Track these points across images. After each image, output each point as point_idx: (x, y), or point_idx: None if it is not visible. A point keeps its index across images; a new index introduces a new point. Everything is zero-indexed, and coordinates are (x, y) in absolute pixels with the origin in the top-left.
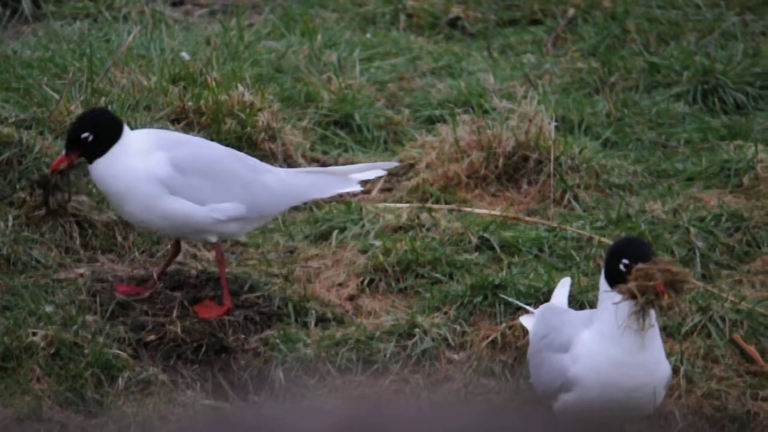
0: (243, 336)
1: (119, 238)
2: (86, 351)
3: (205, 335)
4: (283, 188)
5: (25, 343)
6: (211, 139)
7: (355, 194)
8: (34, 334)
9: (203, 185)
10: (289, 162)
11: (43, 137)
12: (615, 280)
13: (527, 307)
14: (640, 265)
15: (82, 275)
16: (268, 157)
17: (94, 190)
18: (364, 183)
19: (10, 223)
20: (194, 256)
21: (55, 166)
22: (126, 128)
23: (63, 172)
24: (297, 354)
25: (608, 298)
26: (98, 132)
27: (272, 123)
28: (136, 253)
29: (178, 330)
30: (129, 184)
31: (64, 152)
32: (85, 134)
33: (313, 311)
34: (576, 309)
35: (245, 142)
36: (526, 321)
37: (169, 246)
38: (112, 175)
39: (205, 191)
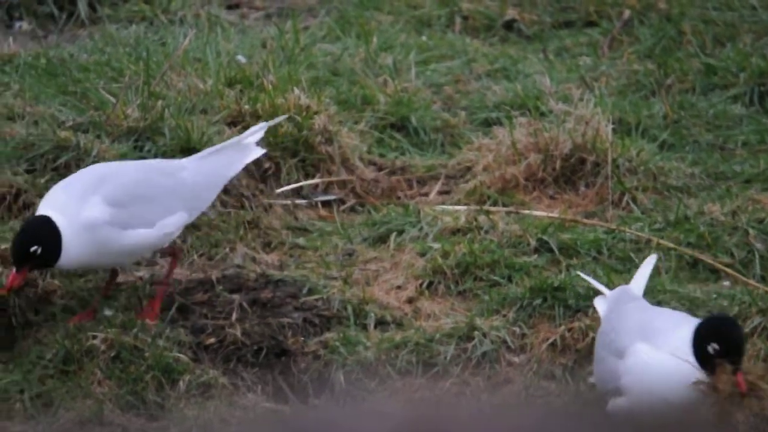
0: (302, 339)
1: (177, 241)
2: (146, 354)
3: (265, 338)
4: (203, 178)
5: (86, 347)
6: (269, 143)
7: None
8: (95, 337)
9: (145, 210)
10: (347, 165)
11: (101, 141)
12: (702, 357)
13: (602, 289)
14: (727, 366)
15: (141, 278)
16: (326, 161)
17: None
18: (261, 143)
19: None
20: (253, 259)
21: (9, 286)
22: (54, 217)
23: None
24: (357, 357)
25: (681, 324)
26: (45, 242)
27: (329, 126)
28: (195, 257)
29: (238, 333)
30: (88, 243)
31: (14, 270)
32: (34, 248)
33: (373, 314)
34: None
35: (302, 145)
36: (600, 304)
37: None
38: (78, 254)
39: (150, 214)
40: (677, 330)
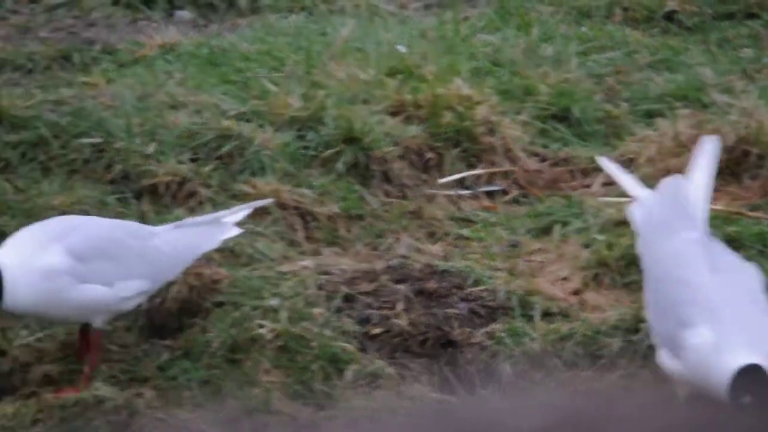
0: (469, 330)
1: (342, 231)
2: (313, 344)
3: (431, 328)
4: (174, 249)
5: (252, 336)
6: (431, 134)
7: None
8: (261, 326)
9: (105, 267)
10: (509, 156)
11: (263, 130)
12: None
13: (634, 190)
14: None
15: (306, 268)
16: (488, 151)
17: None
18: (239, 224)
19: None
20: (417, 250)
21: None
22: (2, 258)
23: None
24: (523, 348)
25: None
26: None
27: (491, 116)
28: (360, 246)
29: (404, 323)
30: (40, 290)
31: None
32: None
33: (538, 305)
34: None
35: (464, 136)
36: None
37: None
38: (25, 298)
39: (110, 272)
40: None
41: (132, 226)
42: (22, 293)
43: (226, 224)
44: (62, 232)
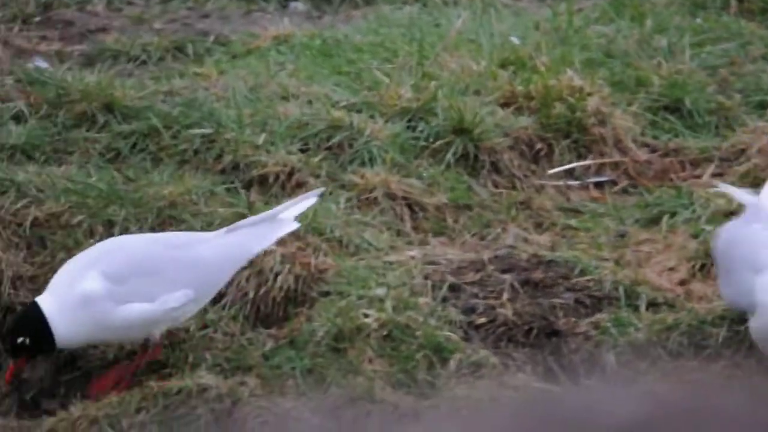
0: (573, 319)
1: (450, 221)
2: (418, 333)
3: (536, 318)
4: (219, 254)
5: (357, 325)
6: (541, 125)
7: (293, 233)
8: (366, 316)
9: (145, 284)
10: (619, 147)
11: (374, 121)
12: None
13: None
14: None
15: (413, 258)
16: (598, 142)
17: None
18: (299, 217)
19: (342, 206)
20: (525, 240)
21: (9, 378)
22: (41, 301)
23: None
24: (628, 338)
25: None
26: (31, 331)
27: (602, 107)
28: (467, 236)
29: (509, 313)
30: (83, 320)
31: (11, 362)
32: (20, 339)
33: (644, 295)
34: None
35: (575, 127)
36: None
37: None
38: (74, 333)
39: (150, 288)
40: None
41: (171, 237)
42: (68, 329)
43: (284, 220)
44: (97, 257)
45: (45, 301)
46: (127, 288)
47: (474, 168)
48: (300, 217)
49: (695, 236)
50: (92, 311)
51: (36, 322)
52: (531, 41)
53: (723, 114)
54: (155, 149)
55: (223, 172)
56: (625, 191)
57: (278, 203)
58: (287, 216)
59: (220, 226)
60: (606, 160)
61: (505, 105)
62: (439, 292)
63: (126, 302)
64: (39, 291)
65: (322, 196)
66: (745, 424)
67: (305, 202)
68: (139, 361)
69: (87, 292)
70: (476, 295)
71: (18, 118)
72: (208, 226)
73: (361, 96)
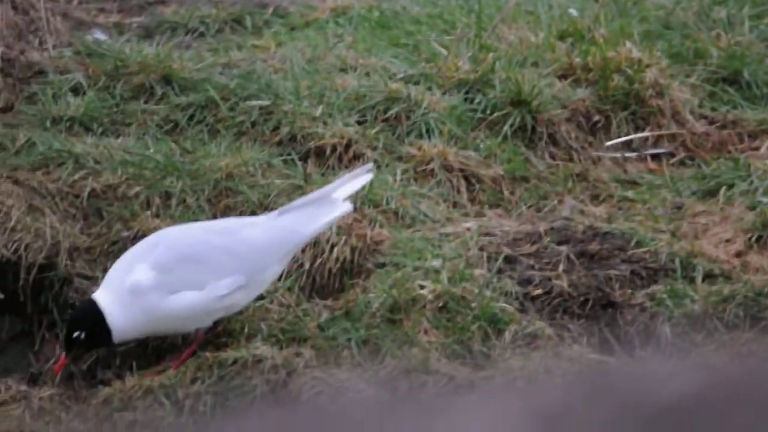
0: (629, 291)
1: (506, 193)
2: (473, 304)
3: (592, 290)
4: (270, 238)
5: (413, 296)
6: (599, 96)
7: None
8: (422, 287)
9: (193, 271)
10: (677, 119)
11: (431, 93)
12: None
13: None
14: None
15: (469, 229)
16: (656, 114)
17: None
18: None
19: (398, 177)
20: (581, 211)
21: (58, 370)
22: (98, 297)
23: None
24: (684, 310)
25: None
26: (88, 326)
27: (660, 79)
28: (523, 208)
29: (565, 284)
30: (136, 313)
31: (64, 353)
32: (76, 333)
33: (700, 267)
34: None
35: (632, 99)
36: None
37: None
38: (129, 327)
39: (199, 276)
40: None
41: (219, 223)
42: (125, 324)
43: (336, 201)
44: (145, 250)
45: (101, 297)
46: (175, 277)
47: (531, 140)
48: (353, 197)
49: (752, 208)
50: (142, 302)
51: (93, 316)
52: (589, 13)
53: None
54: (212, 121)
55: (280, 143)
56: (682, 163)
57: (335, 175)
58: (339, 195)
59: (277, 198)
60: (663, 132)
61: (562, 77)
62: (495, 264)
63: (175, 291)
64: (95, 262)
65: (372, 171)
66: None
67: (359, 180)
68: (189, 353)
69: (136, 284)
70: (532, 267)
71: (76, 90)
72: (265, 198)
73: (419, 68)
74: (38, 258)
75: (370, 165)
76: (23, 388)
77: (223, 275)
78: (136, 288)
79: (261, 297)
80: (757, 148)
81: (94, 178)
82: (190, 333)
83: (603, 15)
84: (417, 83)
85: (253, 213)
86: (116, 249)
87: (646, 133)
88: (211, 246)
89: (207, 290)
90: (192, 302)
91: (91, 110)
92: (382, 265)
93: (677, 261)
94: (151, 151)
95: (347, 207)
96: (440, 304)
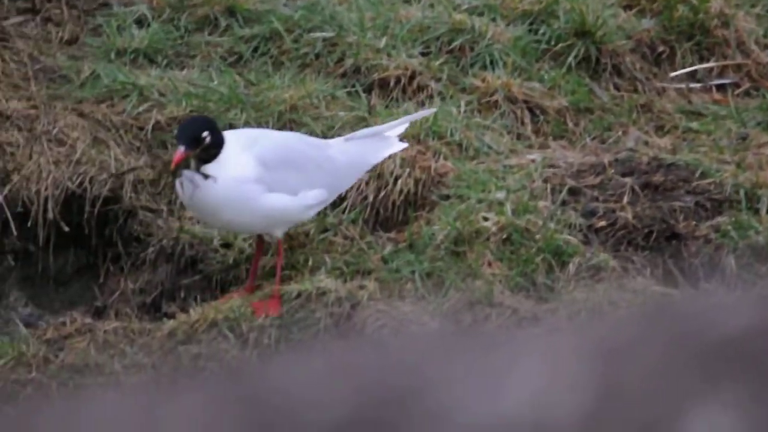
0: (694, 223)
1: (570, 125)
2: (537, 237)
3: (656, 221)
4: (350, 159)
5: (476, 228)
6: (664, 27)
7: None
8: (486, 219)
9: (291, 176)
10: (742, 49)
11: (495, 24)
12: None
13: None
14: None
15: (533, 161)
16: (721, 44)
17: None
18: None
19: (462, 109)
20: (645, 143)
21: (178, 160)
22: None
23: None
24: (748, 241)
25: None
26: (216, 134)
27: (725, 9)
28: (587, 139)
29: (629, 216)
30: (228, 197)
31: (182, 149)
32: (205, 133)
33: (765, 198)
34: None
35: (697, 29)
36: None
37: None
38: (215, 198)
39: (294, 181)
40: None
41: (308, 137)
42: (213, 194)
43: (390, 138)
44: (251, 141)
45: (229, 134)
46: (275, 177)
47: (595, 71)
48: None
49: None
50: (242, 190)
51: (221, 135)
52: None
53: None
54: (276, 53)
55: (344, 75)
56: (747, 94)
57: (399, 107)
58: (392, 134)
59: (341, 130)
60: (728, 62)
61: (627, 7)
62: (559, 196)
63: (272, 191)
64: (160, 195)
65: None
66: None
67: (405, 123)
68: (279, 269)
69: (240, 173)
70: (596, 199)
71: (141, 21)
72: (329, 130)
73: None
74: (103, 191)
75: (433, 109)
76: (88, 321)
77: (314, 186)
78: (240, 177)
79: (325, 229)
80: None
81: (159, 110)
82: (262, 237)
83: None
84: (481, 14)
85: None
86: None
87: (710, 64)
88: (307, 157)
89: (299, 197)
90: (284, 206)
91: (156, 42)
92: (446, 198)
93: (742, 192)
94: (215, 83)
95: (402, 145)
96: (504, 237)
